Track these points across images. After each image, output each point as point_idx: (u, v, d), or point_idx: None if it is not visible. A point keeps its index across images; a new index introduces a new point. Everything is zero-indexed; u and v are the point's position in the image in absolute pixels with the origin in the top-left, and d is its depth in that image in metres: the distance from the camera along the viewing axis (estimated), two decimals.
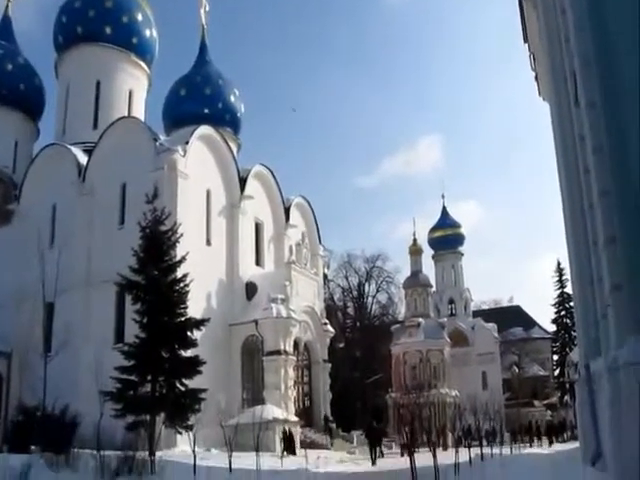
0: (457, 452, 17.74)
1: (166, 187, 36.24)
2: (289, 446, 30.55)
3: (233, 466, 20.44)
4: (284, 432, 29.39)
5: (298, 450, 29.86)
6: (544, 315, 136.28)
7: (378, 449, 29.39)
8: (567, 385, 58.39)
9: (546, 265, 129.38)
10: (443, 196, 76.01)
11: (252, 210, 44.43)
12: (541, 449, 35.67)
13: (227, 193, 43.01)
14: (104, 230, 39.40)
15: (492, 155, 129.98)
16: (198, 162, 40.31)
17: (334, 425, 43.90)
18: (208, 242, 40.96)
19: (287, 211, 48.42)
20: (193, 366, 24.96)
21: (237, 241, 42.51)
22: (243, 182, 43.80)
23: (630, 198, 9.30)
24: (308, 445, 34.68)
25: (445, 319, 60.93)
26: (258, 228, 46.12)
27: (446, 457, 20.12)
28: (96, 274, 38.26)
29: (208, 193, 41.55)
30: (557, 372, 74.26)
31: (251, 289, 42.35)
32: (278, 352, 39.43)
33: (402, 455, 29.38)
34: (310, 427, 41.73)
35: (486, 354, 67.01)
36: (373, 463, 28.44)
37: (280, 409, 36.07)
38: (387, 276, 73.43)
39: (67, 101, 48.99)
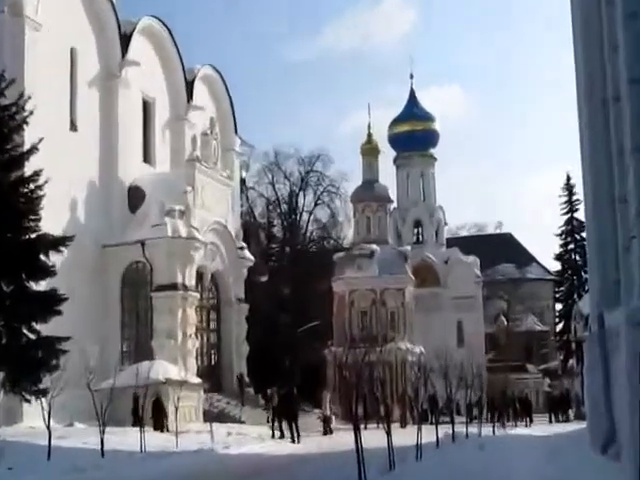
0: (420, 430, 18.23)
1: (7, 40, 35.34)
2: (157, 418, 30.92)
3: (107, 447, 20.57)
4: (135, 397, 29.59)
5: (171, 423, 30.25)
6: (545, 249, 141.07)
7: (294, 425, 30.24)
8: (573, 345, 60.38)
9: (550, 181, 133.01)
10: (412, 76, 75.78)
11: (138, 82, 43.75)
12: (534, 429, 37.29)
13: (101, 56, 42.07)
14: None
15: (484, 22, 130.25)
16: (59, 10, 38.82)
17: (252, 390, 44.73)
18: (73, 126, 40.22)
19: (190, 86, 47.96)
20: (48, 304, 24.59)
21: (116, 126, 41.96)
22: (126, 41, 42.77)
23: None
24: (215, 417, 35.23)
25: (408, 248, 61.49)
26: (147, 109, 45.67)
27: (405, 436, 20.67)
28: None
29: (73, 54, 40.46)
30: (560, 327, 76.77)
31: (136, 196, 42.08)
32: (174, 286, 39.62)
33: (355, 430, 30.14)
34: (218, 392, 42.37)
35: (464, 298, 68.59)
36: (293, 441, 29.23)
37: (175, 367, 36.31)
38: (329, 185, 73.75)
39: None
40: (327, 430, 35.06)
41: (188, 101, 47.64)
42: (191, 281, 40.96)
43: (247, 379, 45.28)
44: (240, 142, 53.77)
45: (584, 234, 51.98)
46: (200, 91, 48.99)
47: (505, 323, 71.31)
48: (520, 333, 74.16)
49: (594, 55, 12.76)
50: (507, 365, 62.06)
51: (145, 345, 39.17)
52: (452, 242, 75.34)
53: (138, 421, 25.92)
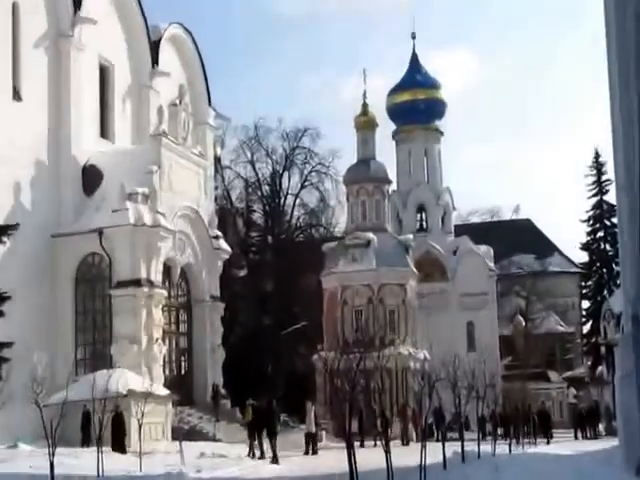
0: (424, 448, 18.14)
1: None
2: (116, 436, 30.77)
3: (58, 471, 20.34)
4: (85, 411, 29.44)
5: (134, 443, 30.13)
6: (570, 236, 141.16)
7: (273, 441, 30.28)
8: (603, 349, 60.54)
9: (577, 158, 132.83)
10: (414, 36, 75.49)
11: (95, 44, 43.52)
12: (557, 447, 37.27)
13: (50, 12, 41.81)
14: None
15: None
16: None
17: (228, 403, 44.69)
18: (16, 95, 40.03)
19: (155, 49, 47.74)
20: None
21: (67, 95, 41.77)
22: None
23: None
24: (186, 435, 35.16)
25: (410, 236, 61.52)
26: (105, 75, 45.50)
27: (407, 455, 20.59)
28: None
29: (15, 10, 40.22)
30: (587, 328, 77.03)
31: (92, 177, 41.90)
32: (137, 282, 39.56)
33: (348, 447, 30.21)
34: (189, 405, 42.31)
35: (475, 295, 68.76)
36: (274, 461, 29.17)
37: (139, 376, 36.24)
38: (318, 164, 73.59)
39: None
40: (310, 449, 35.01)
41: (153, 66, 47.37)
42: (157, 276, 40.81)
43: (223, 390, 45.22)
44: (214, 114, 53.58)
45: (615, 219, 51.89)
46: (167, 54, 48.74)
47: (523, 324, 71.25)
48: (540, 335, 74.19)
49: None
50: (525, 373, 61.95)
51: (103, 352, 38.97)
52: (461, 230, 75.37)
53: (87, 440, 25.74)
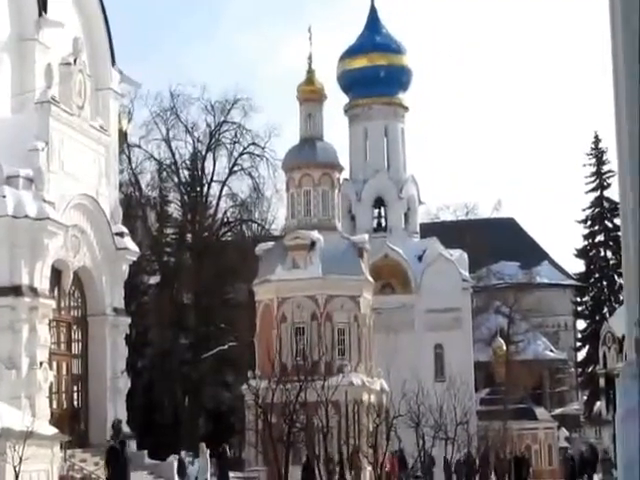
0: None
1: None
2: None
3: None
4: None
5: None
6: (562, 240, 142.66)
7: None
8: (601, 380, 61.21)
9: (572, 144, 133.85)
10: None
11: None
12: None
13: None
14: None
15: None
16: None
17: (134, 444, 44.67)
18: None
19: None
20: None
21: None
22: None
23: None
24: None
25: (366, 237, 61.87)
26: None
27: None
28: None
29: None
30: (583, 354, 77.86)
31: None
32: (16, 290, 39.48)
33: None
34: (83, 448, 42.25)
35: (445, 311, 69.37)
36: None
37: (18, 410, 35.94)
38: (252, 144, 74.09)
39: None
40: None
41: (40, 14, 46.86)
42: (43, 283, 40.73)
43: (127, 428, 44.99)
44: (120, 78, 53.26)
45: (618, 220, 52.50)
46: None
47: (504, 348, 71.92)
48: (526, 362, 75.07)
49: None
50: (507, 409, 62.75)
51: None
52: (429, 230, 76.13)
53: None
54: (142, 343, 51.34)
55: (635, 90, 13.41)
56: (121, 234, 47.16)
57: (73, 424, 42.65)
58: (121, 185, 59.31)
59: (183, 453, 45.65)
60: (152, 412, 50.66)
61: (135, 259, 48.66)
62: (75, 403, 44.98)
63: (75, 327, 45.29)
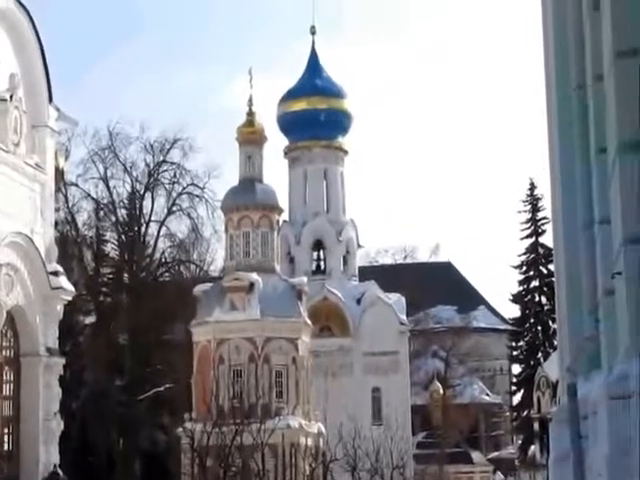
0: None
1: None
2: None
3: None
4: None
5: None
6: (498, 285, 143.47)
7: None
8: (536, 424, 61.60)
9: (509, 190, 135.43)
10: (313, 31, 76.44)
11: None
12: None
13: None
14: None
15: None
16: None
17: None
18: None
19: None
20: None
21: None
22: None
23: None
24: None
25: (305, 279, 62.08)
26: None
27: None
28: None
29: None
30: (518, 398, 78.34)
31: None
32: None
33: None
34: None
35: (383, 354, 69.41)
36: None
37: None
38: (191, 184, 73.80)
39: None
40: None
41: None
42: None
43: (60, 473, 44.58)
44: (57, 115, 53.05)
45: (552, 266, 53.10)
46: None
47: (441, 392, 72.15)
48: (462, 406, 75.30)
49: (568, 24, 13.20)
50: (443, 452, 62.83)
51: None
52: (368, 273, 76.20)
53: None
54: (77, 384, 50.91)
55: (568, 144, 13.82)
56: (56, 273, 46.71)
57: (4, 467, 42.12)
58: (57, 223, 58.81)
59: None
60: (86, 454, 50.18)
61: (70, 299, 48.15)
62: (6, 446, 44.40)
63: (7, 368, 44.66)
